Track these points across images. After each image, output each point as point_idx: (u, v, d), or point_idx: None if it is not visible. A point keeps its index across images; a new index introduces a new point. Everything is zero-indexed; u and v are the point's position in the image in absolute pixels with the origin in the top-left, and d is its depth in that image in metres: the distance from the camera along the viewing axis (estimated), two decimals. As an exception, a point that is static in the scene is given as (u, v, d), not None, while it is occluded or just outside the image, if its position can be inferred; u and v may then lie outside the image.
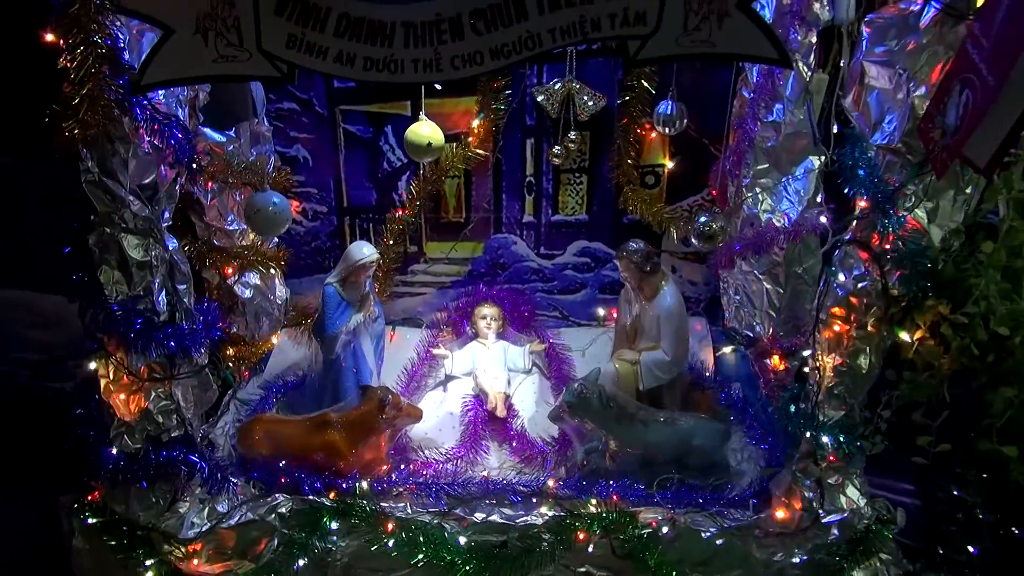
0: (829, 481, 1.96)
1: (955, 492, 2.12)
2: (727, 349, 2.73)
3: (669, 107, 2.20)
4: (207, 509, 2.08)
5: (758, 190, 2.44)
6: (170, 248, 1.99)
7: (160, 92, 1.86)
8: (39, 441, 2.73)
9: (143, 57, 1.67)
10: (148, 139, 1.80)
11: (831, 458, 1.92)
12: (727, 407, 2.47)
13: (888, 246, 1.72)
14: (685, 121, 2.23)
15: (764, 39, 1.55)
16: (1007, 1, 1.18)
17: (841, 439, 1.90)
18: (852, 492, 1.98)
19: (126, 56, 1.71)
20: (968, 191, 1.69)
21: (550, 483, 2.15)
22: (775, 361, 2.53)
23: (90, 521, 2.05)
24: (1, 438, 2.97)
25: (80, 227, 1.84)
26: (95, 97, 1.55)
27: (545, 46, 1.61)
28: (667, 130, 2.20)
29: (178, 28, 1.61)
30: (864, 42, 1.67)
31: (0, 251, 2.93)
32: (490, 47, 1.61)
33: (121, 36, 1.64)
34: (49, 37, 1.56)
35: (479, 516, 2.06)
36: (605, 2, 1.56)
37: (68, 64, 1.54)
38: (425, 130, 2.21)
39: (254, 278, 2.71)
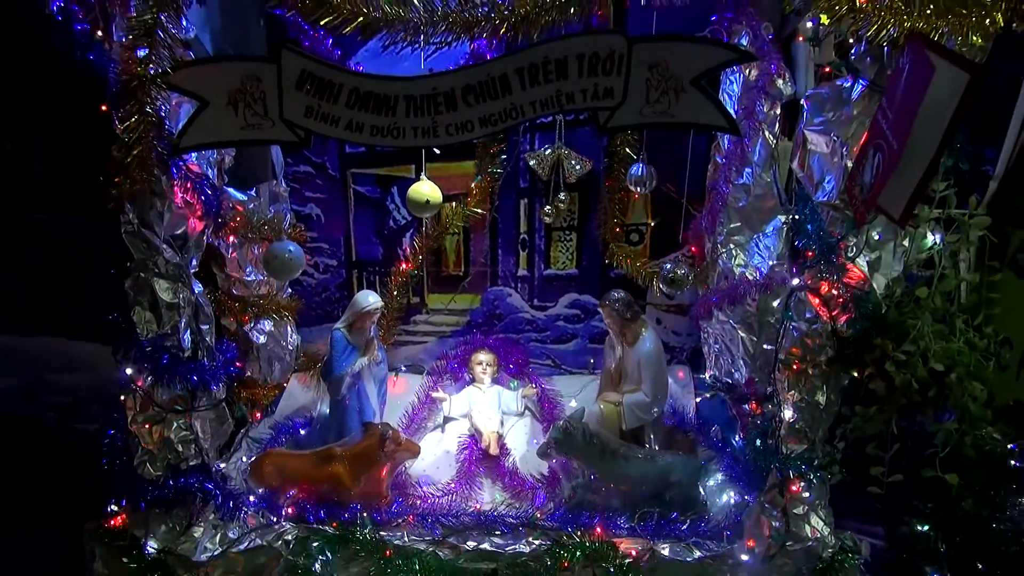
0: (794, 511, 2.07)
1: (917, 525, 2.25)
2: (708, 395, 2.88)
3: (640, 169, 2.44)
4: (219, 535, 2.22)
5: (732, 246, 2.61)
6: (196, 291, 2.20)
7: (193, 154, 2.10)
8: (63, 479, 2.90)
9: (181, 124, 1.93)
10: (182, 195, 2.04)
11: (794, 489, 2.07)
12: (705, 447, 2.62)
13: (836, 292, 1.92)
14: (655, 182, 2.46)
15: (716, 110, 1.78)
16: (903, 78, 1.41)
17: (803, 470, 2.07)
18: (816, 522, 2.10)
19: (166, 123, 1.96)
20: (905, 243, 1.90)
21: (538, 515, 2.29)
22: (752, 406, 2.69)
23: (112, 544, 2.21)
24: (28, 476, 3.15)
25: (117, 272, 2.07)
26: (144, 158, 1.80)
27: (527, 116, 1.85)
28: (640, 189, 2.43)
29: (213, 100, 1.87)
30: (805, 113, 1.91)
31: (36, 300, 3.15)
32: (479, 116, 1.84)
33: (164, 107, 1.89)
34: (103, 108, 1.82)
35: (471, 544, 2.19)
36: (578, 78, 1.79)
37: (119, 131, 1.80)
38: (425, 188, 2.42)
39: (268, 325, 2.87)
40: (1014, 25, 1.41)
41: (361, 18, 1.63)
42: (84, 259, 2.89)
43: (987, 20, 1.38)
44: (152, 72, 1.71)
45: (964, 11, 1.41)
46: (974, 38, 1.41)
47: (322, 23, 1.61)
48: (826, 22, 1.51)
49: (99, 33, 1.79)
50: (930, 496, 2.11)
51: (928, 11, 1.41)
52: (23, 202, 2.78)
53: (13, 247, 3.06)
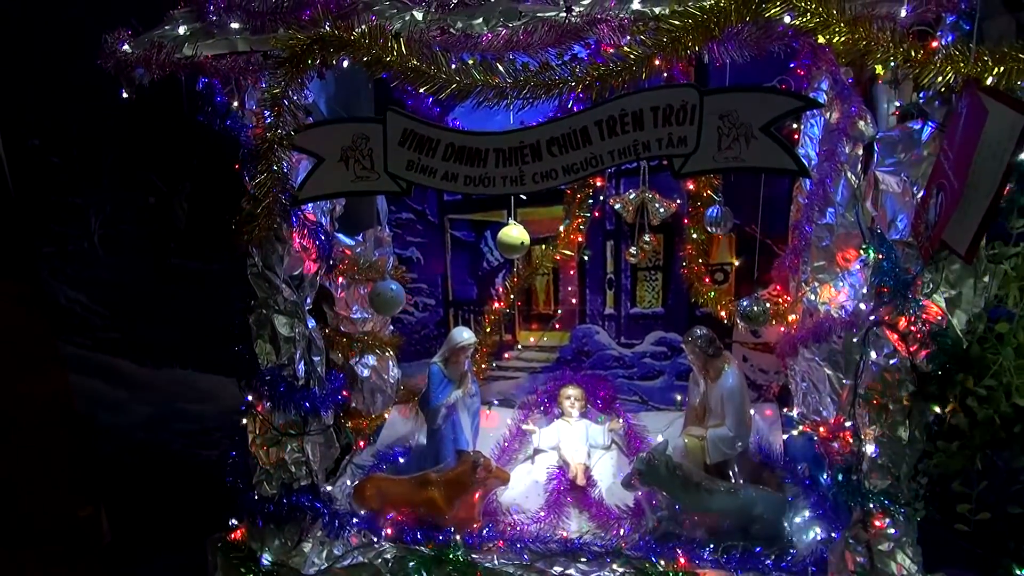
0: (880, 547, 2.06)
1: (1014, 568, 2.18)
2: (795, 432, 2.88)
3: (716, 211, 2.53)
4: (326, 551, 2.42)
5: (816, 284, 2.65)
6: (309, 326, 2.44)
7: (310, 204, 2.35)
8: (188, 498, 3.20)
9: (300, 178, 2.18)
10: (299, 240, 2.29)
11: (878, 524, 2.07)
12: (792, 484, 2.62)
13: (914, 328, 1.94)
14: (731, 223, 2.54)
15: (784, 154, 1.87)
16: (962, 120, 1.48)
17: (887, 505, 2.06)
18: (903, 559, 2.07)
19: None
20: (986, 279, 1.91)
21: (622, 544, 2.37)
22: (840, 443, 2.68)
23: (231, 556, 2.44)
24: (157, 496, 3.48)
25: (243, 309, 2.33)
26: (270, 209, 2.06)
27: (606, 164, 1.97)
28: (716, 230, 2.52)
29: (327, 157, 2.10)
30: (876, 155, 1.97)
31: (169, 337, 3.52)
32: (562, 165, 1.98)
33: (286, 164, 2.13)
34: (236, 166, 2.10)
35: (557, 570, 2.30)
36: (654, 128, 1.90)
37: (250, 186, 2.06)
38: (514, 232, 2.57)
39: (372, 360, 3.07)
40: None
41: (455, 85, 1.82)
42: (211, 299, 3.22)
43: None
44: (279, 135, 1.97)
45: (1022, 56, 1.46)
46: (1034, 82, 1.47)
47: (423, 90, 1.82)
48: (881, 72, 1.59)
49: (235, 104, 2.08)
50: (1020, 536, 2.06)
51: (985, 58, 1.47)
52: (165, 249, 3.15)
53: (151, 288, 3.44)
